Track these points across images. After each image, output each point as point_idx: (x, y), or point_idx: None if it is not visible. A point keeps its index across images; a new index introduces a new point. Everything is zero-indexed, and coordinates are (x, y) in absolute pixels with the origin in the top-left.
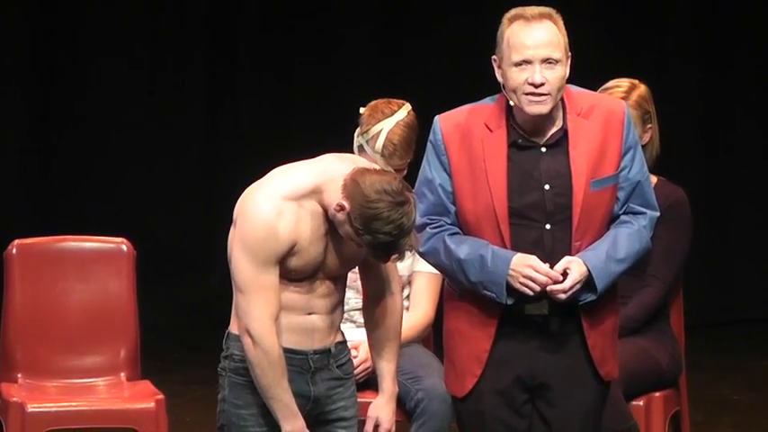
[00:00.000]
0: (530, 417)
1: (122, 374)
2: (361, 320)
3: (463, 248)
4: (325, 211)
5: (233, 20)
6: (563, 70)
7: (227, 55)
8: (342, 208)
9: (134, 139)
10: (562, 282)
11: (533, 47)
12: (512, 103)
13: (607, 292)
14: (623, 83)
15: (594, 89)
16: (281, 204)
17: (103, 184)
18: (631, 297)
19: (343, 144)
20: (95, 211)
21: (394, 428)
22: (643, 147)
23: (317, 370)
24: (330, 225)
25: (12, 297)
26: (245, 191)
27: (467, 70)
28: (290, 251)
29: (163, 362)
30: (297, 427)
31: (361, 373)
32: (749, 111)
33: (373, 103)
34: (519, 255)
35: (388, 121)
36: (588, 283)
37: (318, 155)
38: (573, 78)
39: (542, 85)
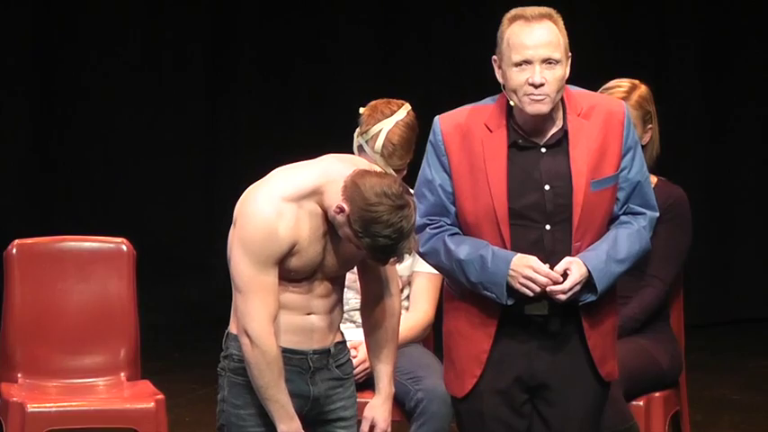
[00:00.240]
0: (529, 417)
1: (122, 374)
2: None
3: (463, 249)
4: (325, 212)
5: (233, 19)
6: (563, 70)
7: (228, 55)
8: (341, 210)
9: (134, 138)
10: (562, 282)
11: (533, 47)
12: (512, 103)
13: (607, 292)
14: (624, 83)
15: (595, 89)
16: (281, 205)
17: (103, 184)
18: (631, 297)
19: (342, 144)
20: (95, 210)
21: (390, 429)
22: (643, 147)
23: (317, 370)
24: (329, 226)
25: (12, 297)
26: (246, 191)
27: (467, 70)
28: (290, 252)
29: (163, 362)
30: (293, 429)
31: (360, 373)
32: (749, 111)
33: (373, 103)
34: (519, 255)
35: (387, 122)
36: (588, 283)
37: (318, 155)
38: (573, 78)
39: (542, 85)
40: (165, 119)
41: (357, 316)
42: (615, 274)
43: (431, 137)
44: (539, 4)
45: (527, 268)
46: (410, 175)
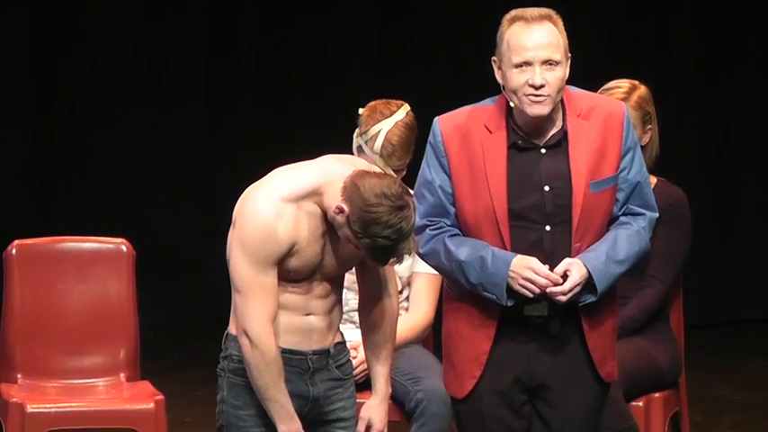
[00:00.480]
0: (529, 418)
1: (122, 375)
2: None
3: (463, 250)
4: (324, 212)
5: (233, 20)
6: (563, 72)
7: (228, 55)
8: (341, 211)
9: (134, 139)
10: (562, 284)
11: (533, 48)
12: (512, 104)
13: (607, 293)
14: (623, 84)
15: (595, 90)
16: (281, 206)
17: (103, 185)
18: (631, 297)
19: (342, 144)
20: (95, 211)
21: (386, 430)
22: (643, 147)
23: (316, 370)
24: (328, 226)
25: (11, 298)
26: (245, 192)
27: (467, 71)
28: (289, 252)
29: (162, 362)
30: (293, 429)
31: (360, 373)
32: (748, 112)
33: (372, 103)
34: (519, 256)
35: (386, 122)
36: (588, 284)
37: (318, 155)
38: (573, 79)
39: (542, 86)
40: (165, 119)
41: (357, 317)
42: (615, 274)
43: (430, 138)
44: (539, 5)
45: (527, 269)
46: (409, 176)
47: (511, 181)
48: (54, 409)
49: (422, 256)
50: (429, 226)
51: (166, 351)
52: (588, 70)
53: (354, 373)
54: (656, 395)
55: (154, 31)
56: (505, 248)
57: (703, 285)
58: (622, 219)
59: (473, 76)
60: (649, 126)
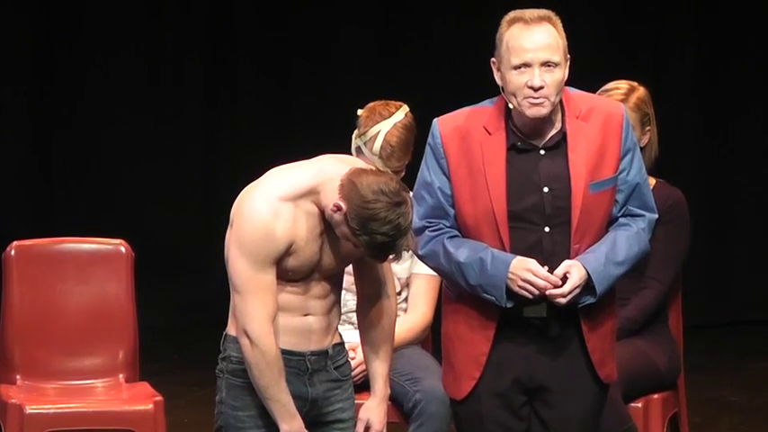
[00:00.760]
0: (528, 419)
1: (121, 376)
2: None
3: (462, 251)
4: (322, 211)
5: (232, 20)
6: (562, 73)
7: (226, 56)
8: (339, 208)
9: (133, 140)
10: (561, 286)
11: (533, 50)
12: (511, 105)
13: (606, 294)
14: (622, 85)
15: (593, 91)
16: (278, 205)
17: (103, 186)
18: (630, 299)
19: (342, 145)
20: (94, 212)
21: (385, 430)
22: (642, 149)
23: (315, 371)
24: (326, 225)
25: (10, 299)
26: (242, 192)
27: (466, 72)
28: (287, 251)
29: (161, 363)
30: (295, 428)
31: (359, 374)
32: (747, 113)
33: (371, 104)
34: (518, 258)
35: (385, 123)
36: (587, 285)
37: (316, 156)
38: (572, 80)
39: (541, 88)
40: (164, 120)
41: (355, 318)
42: (614, 276)
43: (429, 139)
44: (538, 6)
45: (526, 271)
46: (409, 177)
47: (510, 182)
48: (53, 410)
49: (421, 258)
50: (428, 227)
51: (165, 352)
52: (587, 71)
53: (353, 374)
54: (655, 396)
55: (153, 31)
56: (505, 250)
57: (702, 286)
58: (621, 220)
59: (472, 77)
60: (648, 127)
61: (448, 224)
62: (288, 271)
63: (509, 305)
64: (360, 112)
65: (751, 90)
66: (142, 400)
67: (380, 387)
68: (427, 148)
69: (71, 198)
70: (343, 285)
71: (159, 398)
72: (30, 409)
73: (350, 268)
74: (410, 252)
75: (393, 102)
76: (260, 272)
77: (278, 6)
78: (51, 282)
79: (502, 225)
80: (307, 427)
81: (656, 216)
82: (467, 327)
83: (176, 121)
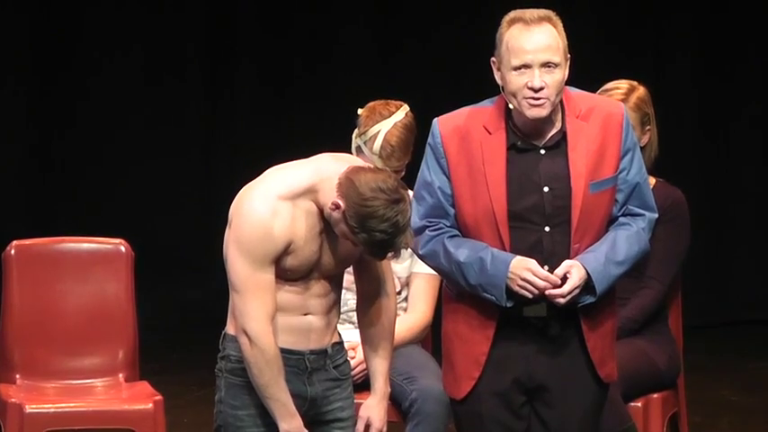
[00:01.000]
0: (528, 419)
1: (120, 375)
2: None
3: (462, 251)
4: (321, 210)
5: (231, 21)
6: (562, 74)
7: (226, 56)
8: (337, 206)
9: (133, 140)
10: (561, 286)
11: (533, 51)
12: (511, 106)
13: (606, 293)
14: (622, 84)
15: (594, 91)
16: (277, 204)
17: (102, 186)
18: (630, 298)
19: (341, 145)
20: (94, 212)
21: (385, 429)
22: (642, 148)
23: (314, 370)
24: (325, 224)
25: (10, 298)
26: (241, 191)
27: (466, 72)
28: (286, 250)
29: (161, 363)
30: (294, 426)
31: (358, 373)
32: (747, 113)
33: (371, 104)
34: (518, 258)
35: (385, 123)
36: (587, 285)
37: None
38: (572, 80)
39: (542, 89)
40: (164, 120)
41: (356, 317)
42: (614, 275)
43: (429, 139)
44: (537, 6)
45: (525, 271)
46: (409, 177)
47: (510, 182)
48: (53, 410)
49: (421, 258)
50: (428, 227)
51: (165, 352)
52: (587, 71)
53: (353, 373)
54: (655, 396)
55: (154, 32)
56: (505, 249)
57: (702, 286)
58: (622, 219)
59: (472, 77)
60: (648, 127)
61: (448, 224)
62: (287, 270)
63: (509, 305)
64: (360, 111)
65: (751, 90)
66: (142, 399)
67: (381, 385)
68: (427, 148)
69: (71, 198)
70: (344, 285)
71: (159, 397)
72: (29, 408)
73: (350, 267)
74: (410, 251)
75: (393, 101)
76: (259, 271)
77: (278, 7)
78: (51, 281)
79: (502, 225)
80: (306, 426)
81: (656, 215)
82: (467, 326)
83: (176, 121)
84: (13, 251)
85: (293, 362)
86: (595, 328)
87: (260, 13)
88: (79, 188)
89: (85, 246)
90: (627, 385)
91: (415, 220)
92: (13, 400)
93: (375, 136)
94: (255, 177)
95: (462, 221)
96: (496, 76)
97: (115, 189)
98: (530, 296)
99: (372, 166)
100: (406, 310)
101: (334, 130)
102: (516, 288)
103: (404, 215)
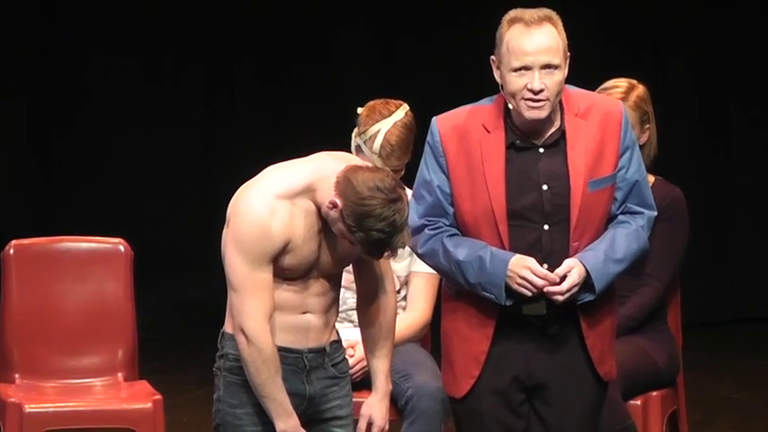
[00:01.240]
0: (527, 417)
1: (120, 375)
2: None
3: (462, 250)
4: (319, 208)
5: (231, 21)
6: (562, 75)
7: (226, 56)
8: (334, 205)
9: (132, 139)
10: (559, 284)
11: (533, 54)
12: (510, 106)
13: (605, 291)
14: (622, 83)
15: (593, 89)
16: (275, 203)
17: (102, 185)
18: (629, 296)
19: (340, 146)
20: (94, 211)
21: (387, 427)
22: (641, 147)
23: (312, 369)
24: (323, 223)
25: (9, 297)
26: (238, 190)
27: (465, 72)
28: (284, 249)
29: (160, 362)
30: (291, 426)
31: (357, 372)
32: (747, 110)
33: (371, 103)
34: (517, 256)
35: (385, 122)
36: (586, 283)
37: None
38: (571, 78)
39: (541, 91)
40: (163, 120)
41: (355, 315)
42: (613, 273)
43: (428, 138)
44: (537, 5)
45: (524, 269)
46: (408, 176)
47: (509, 180)
48: (52, 409)
49: (420, 257)
50: (428, 226)
51: (164, 351)
52: (586, 70)
53: (352, 371)
54: (654, 394)
55: (152, 32)
56: (504, 248)
57: (701, 284)
58: (621, 218)
59: (470, 77)
60: (647, 125)
61: (447, 222)
62: (285, 269)
63: (508, 303)
64: (359, 110)
65: (750, 88)
66: (141, 398)
67: (382, 383)
68: (426, 147)
69: (70, 198)
70: (343, 283)
71: (158, 396)
72: (29, 408)
73: (349, 266)
74: (409, 250)
75: (393, 100)
76: (256, 270)
77: (277, 7)
78: (50, 281)
79: (501, 223)
80: (304, 425)
81: (655, 213)
82: (466, 325)
83: (175, 121)
84: (12, 251)
85: (292, 360)
86: (595, 325)
87: (260, 12)
88: (79, 188)
89: (84, 245)
90: (626, 383)
91: (415, 219)
92: (12, 399)
93: (375, 135)
94: (254, 176)
95: (461, 220)
96: (496, 74)
97: (115, 189)
98: (529, 294)
99: (371, 165)
100: (405, 308)
101: (334, 129)
102: (515, 286)
103: (401, 215)
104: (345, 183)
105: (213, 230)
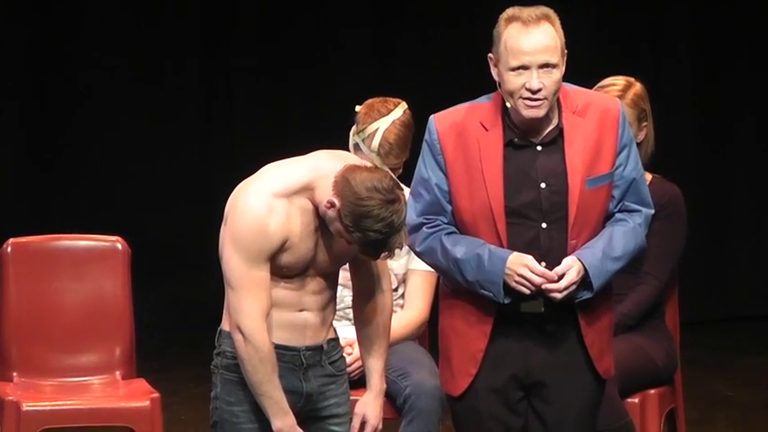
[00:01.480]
0: (525, 414)
1: (117, 373)
2: None
3: (460, 248)
4: (316, 207)
5: (229, 21)
6: (560, 73)
7: (223, 56)
8: (332, 205)
9: (130, 138)
10: (557, 281)
11: (531, 53)
12: (508, 104)
13: (603, 289)
14: (619, 81)
15: (590, 87)
16: (272, 201)
17: (100, 184)
18: (627, 294)
19: (338, 145)
20: (92, 210)
21: (381, 425)
22: (638, 144)
23: (310, 366)
24: (320, 221)
25: (6, 296)
26: (236, 188)
27: (463, 71)
28: (281, 247)
29: (158, 360)
30: (287, 424)
31: (355, 370)
32: (745, 108)
33: (369, 101)
34: (515, 254)
35: (384, 120)
36: (584, 281)
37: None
38: (569, 76)
39: (539, 90)
40: (161, 119)
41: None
42: (611, 271)
43: (426, 136)
44: (535, 3)
45: (522, 267)
46: (406, 174)
47: (507, 178)
48: (50, 407)
49: (419, 255)
50: (426, 224)
51: (162, 349)
52: (584, 68)
53: (349, 369)
54: (652, 392)
55: (151, 32)
56: (502, 246)
57: (699, 282)
58: (618, 215)
59: (468, 76)
60: (645, 123)
61: (445, 220)
62: (282, 267)
63: (506, 301)
64: (358, 108)
65: (748, 87)
66: (139, 396)
67: (376, 382)
68: (424, 145)
69: (69, 197)
70: (340, 281)
71: (156, 394)
72: (26, 406)
73: (346, 264)
74: (407, 248)
75: (391, 99)
76: (253, 268)
77: (276, 6)
78: (48, 279)
79: (499, 221)
80: (302, 423)
81: (653, 211)
82: (464, 322)
83: (174, 120)
84: (9, 249)
85: (289, 358)
86: (593, 323)
87: (258, 12)
88: (77, 186)
89: (82, 243)
90: (624, 381)
91: (413, 217)
92: (10, 397)
93: (373, 133)
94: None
95: (459, 218)
96: (493, 72)
97: (113, 187)
98: (527, 292)
99: (370, 163)
100: (402, 306)
101: (332, 130)
102: (513, 284)
103: (399, 215)
104: (343, 182)
105: (211, 229)
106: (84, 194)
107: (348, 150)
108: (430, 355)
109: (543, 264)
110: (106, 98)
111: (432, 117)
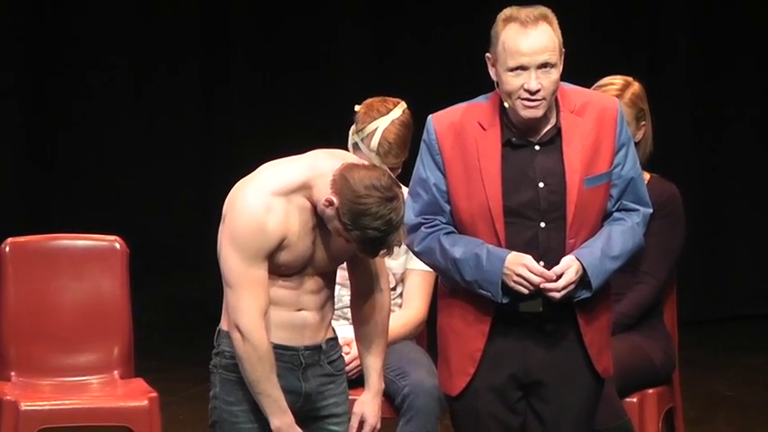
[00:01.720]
0: (524, 414)
1: (116, 372)
2: None
3: (458, 248)
4: (314, 206)
5: (228, 20)
6: (558, 73)
7: (223, 55)
8: (330, 203)
9: (129, 138)
10: (556, 281)
11: (530, 54)
12: (506, 105)
13: (601, 288)
14: (617, 80)
15: (588, 86)
16: (270, 200)
17: (99, 184)
18: (625, 294)
19: (337, 145)
20: (91, 210)
21: (379, 425)
22: (636, 144)
23: (308, 366)
24: (318, 220)
25: (5, 295)
26: (234, 187)
27: (462, 71)
28: (279, 246)
29: (156, 360)
30: (285, 423)
31: (353, 369)
32: (743, 108)
33: (368, 101)
34: (513, 253)
35: (383, 120)
36: (583, 280)
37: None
38: (567, 75)
39: (538, 91)
40: (160, 119)
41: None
42: (610, 270)
43: (424, 136)
44: (532, 2)
45: (521, 267)
46: (405, 174)
47: (505, 178)
48: (48, 407)
49: (417, 255)
50: (424, 224)
51: (160, 349)
52: (582, 67)
53: (348, 369)
54: (650, 391)
55: (148, 32)
56: (501, 245)
57: (697, 281)
58: (616, 215)
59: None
60: (643, 123)
61: (444, 220)
62: (280, 266)
63: (505, 301)
64: (357, 108)
65: (746, 86)
66: (137, 396)
67: (374, 381)
68: (422, 145)
69: (68, 197)
70: (338, 281)
71: (154, 394)
72: (25, 405)
73: (344, 263)
74: (405, 247)
75: (391, 98)
76: (252, 266)
77: (275, 5)
78: (46, 278)
79: (497, 220)
80: (300, 422)
81: (651, 211)
82: (462, 322)
83: (172, 119)
84: (7, 248)
85: (287, 357)
86: (592, 322)
87: (257, 11)
88: (76, 187)
89: (80, 243)
90: (622, 381)
91: (411, 217)
92: (8, 397)
93: (372, 133)
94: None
95: (458, 218)
96: (491, 71)
97: (111, 187)
98: (525, 292)
99: (368, 162)
100: (401, 306)
101: (331, 130)
102: (512, 284)
103: (397, 213)
104: (342, 181)
105: (210, 229)
106: (83, 194)
107: (347, 150)
108: (428, 354)
109: (542, 263)
110: (106, 98)
111: (430, 117)
